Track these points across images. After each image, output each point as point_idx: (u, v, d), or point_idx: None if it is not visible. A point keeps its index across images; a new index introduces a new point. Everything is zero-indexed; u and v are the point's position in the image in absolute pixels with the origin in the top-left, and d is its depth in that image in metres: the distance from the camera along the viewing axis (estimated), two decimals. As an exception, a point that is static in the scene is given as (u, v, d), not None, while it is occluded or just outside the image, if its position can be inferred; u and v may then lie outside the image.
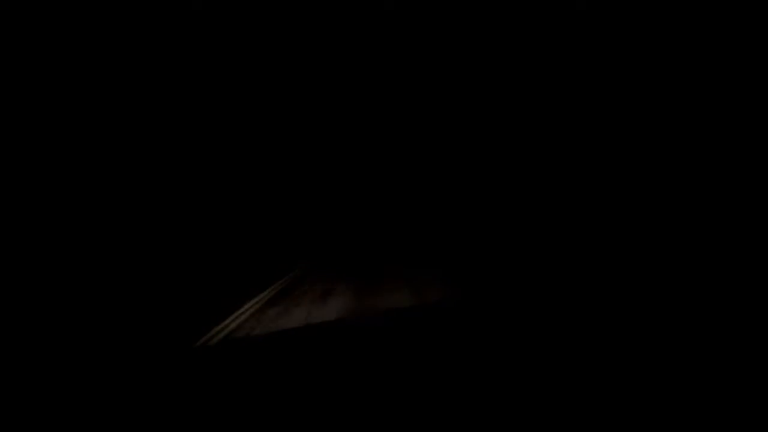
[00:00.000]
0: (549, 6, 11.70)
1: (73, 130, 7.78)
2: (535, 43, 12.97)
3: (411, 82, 24.90)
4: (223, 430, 0.44)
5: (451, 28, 18.26)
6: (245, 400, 0.50)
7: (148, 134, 11.56)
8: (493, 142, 17.60)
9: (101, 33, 8.47)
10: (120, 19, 8.90)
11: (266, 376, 0.59)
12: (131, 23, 9.26)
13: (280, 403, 0.49)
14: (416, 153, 28.13)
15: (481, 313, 0.88)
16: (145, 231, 9.84)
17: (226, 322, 4.19)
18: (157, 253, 9.32)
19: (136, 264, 8.28)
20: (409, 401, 0.49)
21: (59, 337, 3.30)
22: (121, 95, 9.11)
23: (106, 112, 8.68)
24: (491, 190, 17.84)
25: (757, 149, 6.37)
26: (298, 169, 25.05)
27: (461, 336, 0.73)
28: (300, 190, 26.38)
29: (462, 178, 21.39)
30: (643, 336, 0.70)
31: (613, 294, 1.12)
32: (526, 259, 6.03)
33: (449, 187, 22.67)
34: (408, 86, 25.76)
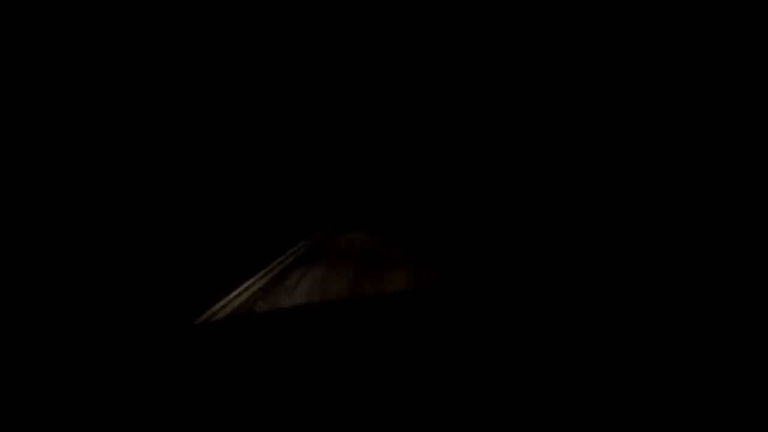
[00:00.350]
0: (549, 6, 11.71)
1: (72, 128, 7.79)
2: (535, 43, 12.98)
3: (412, 82, 24.92)
4: (227, 416, 0.45)
5: (451, 28, 18.28)
6: (249, 383, 0.50)
7: (163, 121, 11.60)
8: (494, 140, 17.60)
9: (101, 33, 8.47)
10: (120, 18, 8.90)
11: (269, 357, 0.59)
12: (131, 23, 9.26)
13: (283, 387, 0.50)
14: (419, 147, 28.14)
15: (478, 300, 0.89)
16: (139, 195, 9.83)
17: (230, 296, 4.16)
18: (147, 216, 9.29)
19: (123, 226, 8.27)
20: (408, 387, 0.49)
21: (43, 318, 3.29)
22: (120, 94, 9.12)
23: (105, 109, 8.68)
24: (493, 184, 17.84)
25: (757, 149, 6.38)
26: (303, 158, 25.05)
27: (458, 322, 0.74)
28: (306, 176, 26.50)
29: (465, 171, 21.40)
30: (639, 330, 0.70)
31: (610, 284, 1.12)
32: (524, 251, 6.04)
33: (450, 177, 22.69)
34: (409, 85, 25.79)
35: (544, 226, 9.98)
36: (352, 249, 7.87)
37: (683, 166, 7.68)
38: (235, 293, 4.15)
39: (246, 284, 4.58)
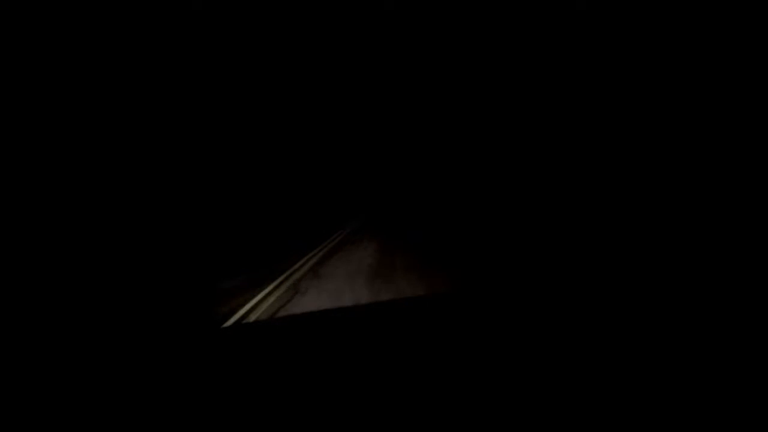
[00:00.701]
0: (549, 6, 11.71)
1: (77, 128, 7.79)
2: (535, 43, 12.99)
3: (414, 82, 24.94)
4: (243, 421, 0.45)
5: (451, 28, 18.29)
6: (268, 389, 0.50)
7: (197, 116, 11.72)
8: (500, 141, 17.61)
9: (101, 33, 8.47)
10: (120, 19, 8.90)
11: (288, 364, 0.59)
12: (131, 23, 9.26)
13: (299, 393, 0.50)
14: (425, 149, 28.16)
15: (489, 307, 0.89)
16: (164, 196, 9.88)
17: (254, 301, 4.16)
18: (164, 220, 9.33)
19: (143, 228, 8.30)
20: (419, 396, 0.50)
21: (63, 326, 3.30)
22: (121, 94, 9.12)
23: (108, 110, 8.68)
24: (498, 187, 17.84)
25: (757, 149, 6.38)
26: (307, 164, 25.25)
27: (469, 329, 0.74)
28: (319, 182, 26.74)
29: (467, 174, 21.40)
30: (643, 334, 0.71)
31: (619, 291, 1.11)
32: (535, 257, 6.03)
33: (457, 182, 22.68)
34: (411, 85, 25.80)
35: (551, 229, 9.98)
36: (365, 253, 7.87)
37: (684, 167, 7.69)
38: (254, 301, 4.13)
39: (265, 292, 4.56)
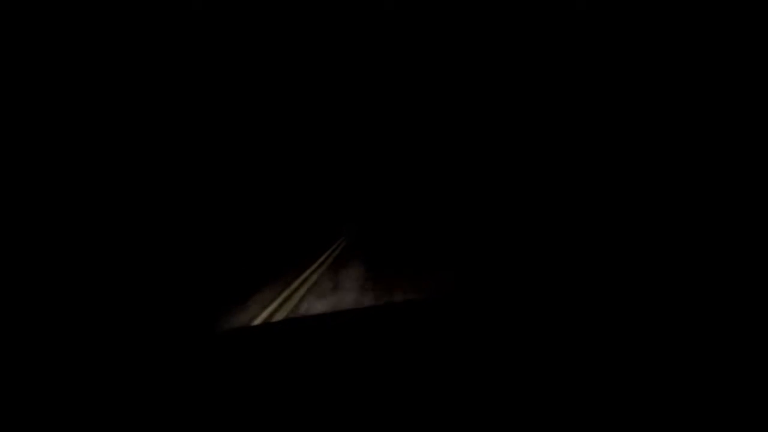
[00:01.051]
0: (549, 6, 11.71)
1: (80, 129, 7.78)
2: (534, 43, 12.99)
3: (415, 82, 24.95)
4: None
5: (451, 29, 18.27)
6: (259, 395, 0.50)
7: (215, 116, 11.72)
8: (496, 142, 17.60)
9: (101, 33, 8.47)
10: (120, 18, 8.89)
11: (280, 369, 0.59)
12: (132, 23, 9.25)
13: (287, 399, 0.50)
14: (423, 151, 28.19)
15: (488, 309, 0.89)
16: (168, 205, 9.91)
17: (271, 308, 4.20)
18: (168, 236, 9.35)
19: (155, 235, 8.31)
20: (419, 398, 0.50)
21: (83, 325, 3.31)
22: (122, 95, 9.11)
23: (111, 110, 8.67)
24: (496, 189, 17.82)
25: (757, 149, 6.37)
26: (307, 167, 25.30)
27: (467, 332, 0.74)
28: (312, 186, 26.81)
29: (466, 175, 21.39)
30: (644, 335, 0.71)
31: (621, 291, 1.12)
32: (532, 257, 6.03)
33: (453, 183, 22.68)
34: (411, 86, 25.81)
35: (548, 230, 9.97)
36: (363, 259, 7.90)
37: (683, 167, 7.68)
38: (263, 315, 4.12)
39: (272, 306, 4.56)
